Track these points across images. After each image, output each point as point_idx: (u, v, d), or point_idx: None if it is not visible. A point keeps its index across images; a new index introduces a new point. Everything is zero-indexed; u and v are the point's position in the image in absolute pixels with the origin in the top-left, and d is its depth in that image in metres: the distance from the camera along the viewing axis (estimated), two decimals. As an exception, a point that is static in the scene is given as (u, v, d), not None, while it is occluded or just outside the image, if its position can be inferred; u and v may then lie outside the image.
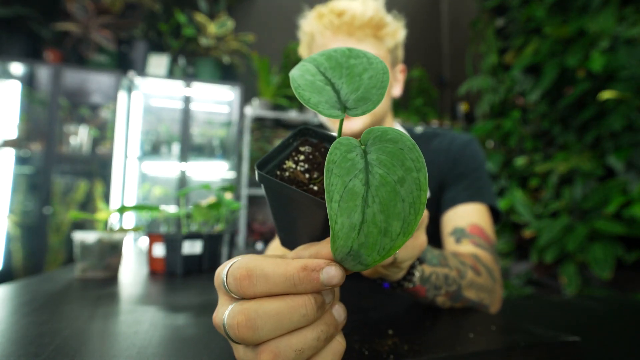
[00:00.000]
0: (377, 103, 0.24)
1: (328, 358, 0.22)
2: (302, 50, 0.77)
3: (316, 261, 0.21)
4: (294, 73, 0.26)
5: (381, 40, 0.71)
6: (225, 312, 0.21)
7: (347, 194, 0.20)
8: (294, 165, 0.28)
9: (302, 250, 0.24)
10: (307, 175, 0.27)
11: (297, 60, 2.77)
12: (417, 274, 0.38)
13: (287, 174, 0.27)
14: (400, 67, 0.78)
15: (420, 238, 0.33)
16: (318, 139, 0.31)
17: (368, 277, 0.38)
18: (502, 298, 0.61)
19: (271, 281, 0.21)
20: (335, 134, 0.90)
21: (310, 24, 0.73)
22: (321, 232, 0.26)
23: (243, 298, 0.22)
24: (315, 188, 0.26)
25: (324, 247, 0.23)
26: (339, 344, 0.23)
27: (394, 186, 0.21)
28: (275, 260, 0.22)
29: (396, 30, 0.73)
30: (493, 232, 0.69)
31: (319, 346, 0.21)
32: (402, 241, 0.20)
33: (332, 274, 0.21)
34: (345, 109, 0.25)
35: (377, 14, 0.70)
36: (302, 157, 0.29)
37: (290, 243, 0.30)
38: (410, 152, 0.22)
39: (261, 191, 2.57)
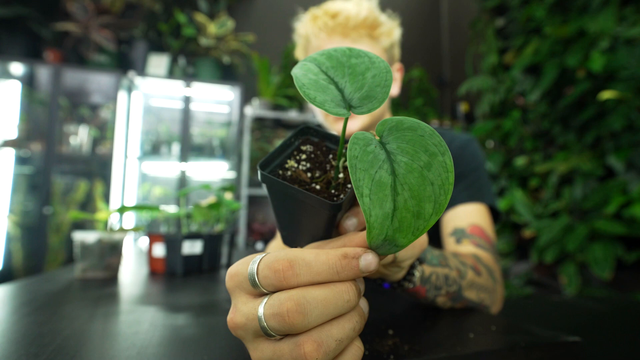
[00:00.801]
0: (383, 101, 0.25)
1: (355, 351, 0.23)
2: (299, 53, 0.78)
3: (355, 249, 0.22)
4: (297, 72, 0.26)
5: (376, 40, 0.71)
6: (261, 306, 0.22)
7: (375, 186, 0.21)
8: (295, 165, 0.28)
9: (326, 243, 0.26)
10: (309, 174, 0.27)
11: (296, 61, 2.77)
12: (417, 274, 0.38)
13: (289, 173, 0.27)
14: (397, 65, 0.79)
15: (420, 237, 0.33)
16: (319, 138, 0.31)
17: (368, 278, 0.38)
18: (503, 298, 0.61)
19: (314, 270, 0.21)
20: (335, 132, 0.90)
21: (305, 26, 0.73)
22: (324, 230, 0.26)
23: (280, 291, 0.22)
24: (318, 187, 0.26)
25: (355, 236, 0.24)
26: (358, 349, 0.23)
27: (421, 172, 0.22)
28: (314, 251, 0.22)
29: (391, 30, 0.73)
30: (493, 232, 0.69)
31: (353, 336, 0.22)
32: (434, 220, 0.21)
33: (370, 260, 0.22)
34: (350, 107, 0.25)
35: (371, 13, 0.70)
36: (303, 156, 0.29)
37: (292, 241, 0.30)
38: (431, 138, 0.22)
39: (261, 191, 2.57)
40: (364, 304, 0.24)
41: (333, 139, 0.31)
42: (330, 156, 0.30)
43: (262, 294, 0.23)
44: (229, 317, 0.23)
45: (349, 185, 0.27)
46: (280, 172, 0.27)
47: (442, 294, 0.43)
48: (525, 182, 2.28)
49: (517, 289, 1.98)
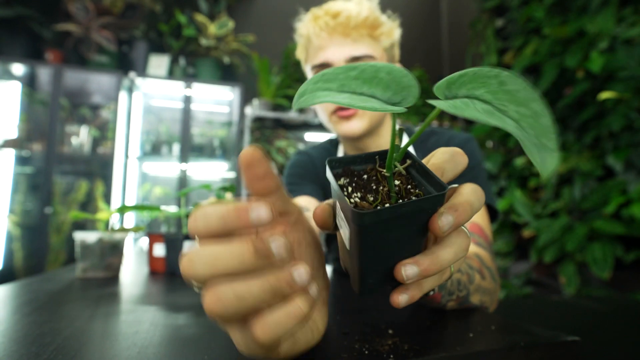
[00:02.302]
0: (416, 87, 0.24)
1: (281, 318, 0.21)
2: (299, 53, 0.78)
3: (249, 203, 0.21)
4: (337, 99, 0.25)
5: (377, 40, 0.72)
6: None
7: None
8: (354, 200, 0.26)
9: None
10: (370, 201, 0.25)
11: (297, 60, 2.78)
12: None
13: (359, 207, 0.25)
14: (397, 66, 0.79)
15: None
16: (343, 166, 0.29)
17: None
18: (498, 297, 0.61)
19: (209, 217, 0.21)
20: (334, 135, 0.89)
21: (306, 26, 0.73)
22: (421, 239, 0.26)
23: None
24: (387, 204, 0.25)
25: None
26: (297, 307, 0.21)
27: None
28: (223, 204, 0.22)
29: (391, 30, 0.73)
30: (491, 231, 0.69)
31: (265, 298, 0.21)
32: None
33: (261, 210, 0.21)
34: (394, 104, 0.25)
35: (372, 14, 0.71)
36: (350, 189, 0.27)
37: (382, 280, 0.27)
38: (514, 83, 0.23)
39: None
40: (300, 271, 0.21)
41: (357, 159, 0.29)
42: (365, 176, 0.28)
43: None
44: None
45: (412, 190, 0.26)
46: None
47: (453, 299, 0.43)
48: (524, 182, 2.28)
49: (517, 289, 1.98)
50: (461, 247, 0.26)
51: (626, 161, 1.65)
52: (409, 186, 0.26)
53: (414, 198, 0.25)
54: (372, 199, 0.25)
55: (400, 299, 0.26)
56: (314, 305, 0.24)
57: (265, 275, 0.21)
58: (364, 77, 0.25)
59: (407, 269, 0.24)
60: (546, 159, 0.21)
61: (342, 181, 0.27)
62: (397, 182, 0.26)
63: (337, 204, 0.26)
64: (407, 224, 0.24)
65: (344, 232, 0.26)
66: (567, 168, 1.85)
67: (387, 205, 0.23)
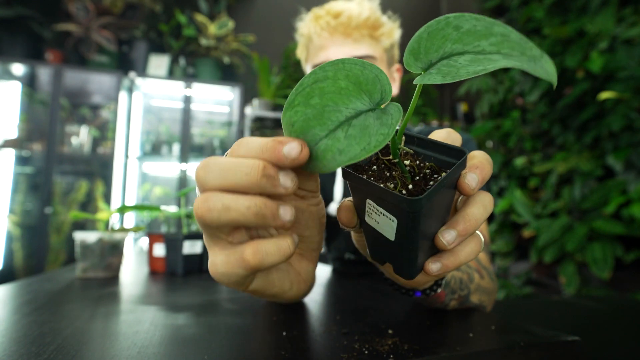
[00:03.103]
0: (379, 76, 0.24)
1: (271, 248, 0.24)
2: (300, 52, 0.78)
3: (285, 138, 0.22)
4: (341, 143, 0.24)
5: (377, 40, 0.72)
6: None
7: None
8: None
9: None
10: (391, 188, 0.25)
11: (297, 60, 2.78)
12: (447, 276, 0.38)
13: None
14: (397, 66, 0.80)
15: None
16: (352, 164, 0.28)
17: (400, 288, 0.37)
18: (496, 298, 0.61)
19: (251, 147, 0.23)
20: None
21: (307, 25, 0.74)
22: (449, 208, 0.27)
23: None
24: (404, 191, 0.25)
25: None
26: (287, 244, 0.24)
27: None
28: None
29: (392, 30, 0.74)
30: (488, 232, 0.69)
31: (247, 217, 0.22)
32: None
33: (293, 146, 0.22)
34: (378, 103, 0.24)
35: (373, 14, 0.71)
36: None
37: (431, 247, 0.28)
38: (466, 21, 0.23)
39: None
40: (285, 208, 0.23)
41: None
42: (375, 167, 0.27)
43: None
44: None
45: (422, 165, 0.26)
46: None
47: (455, 298, 0.43)
48: (524, 182, 2.28)
49: (517, 289, 1.99)
50: (486, 203, 0.26)
51: (626, 161, 1.66)
52: (418, 162, 0.27)
53: (427, 172, 0.26)
54: (392, 185, 0.25)
55: (433, 266, 0.27)
56: (297, 255, 0.28)
57: (253, 196, 0.22)
58: (333, 97, 0.24)
59: (446, 235, 0.25)
60: (543, 66, 0.21)
61: (364, 177, 0.27)
62: (407, 162, 0.27)
63: (369, 200, 0.26)
64: (443, 196, 0.25)
65: (384, 225, 0.26)
66: (567, 168, 1.85)
67: (431, 184, 0.24)
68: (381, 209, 0.25)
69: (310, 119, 0.23)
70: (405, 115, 0.25)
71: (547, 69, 0.21)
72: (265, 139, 0.23)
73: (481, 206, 0.26)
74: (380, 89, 0.24)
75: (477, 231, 0.27)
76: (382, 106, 0.23)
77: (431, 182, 0.25)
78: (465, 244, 0.27)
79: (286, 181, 0.23)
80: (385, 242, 0.27)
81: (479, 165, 0.26)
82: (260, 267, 0.24)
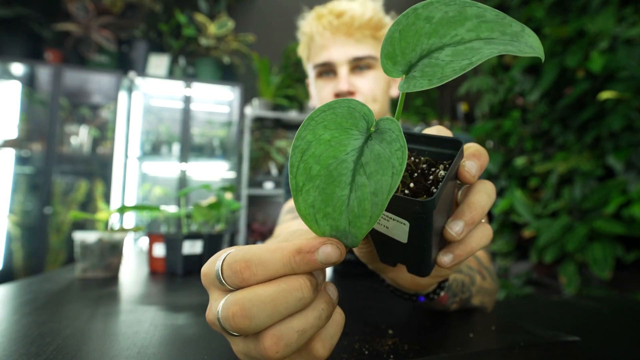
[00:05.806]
0: (362, 110, 0.23)
1: (332, 330, 0.23)
2: (301, 51, 0.78)
3: (310, 242, 0.21)
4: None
5: (379, 41, 0.72)
6: (219, 305, 0.21)
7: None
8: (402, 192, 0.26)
9: (292, 234, 0.26)
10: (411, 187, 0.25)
11: (297, 60, 2.78)
12: (450, 280, 0.38)
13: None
14: None
15: None
16: None
17: (403, 293, 0.37)
18: (497, 298, 0.61)
19: (270, 268, 0.21)
20: None
21: (309, 24, 0.73)
22: (451, 203, 0.27)
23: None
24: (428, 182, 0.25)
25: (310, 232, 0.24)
26: (339, 314, 0.24)
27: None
28: (271, 247, 0.21)
29: None
30: None
31: (321, 325, 0.22)
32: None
33: (329, 251, 0.21)
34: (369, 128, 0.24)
35: (375, 14, 0.71)
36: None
37: (440, 241, 0.28)
38: (434, 10, 0.22)
39: (260, 191, 2.57)
40: (331, 289, 0.24)
41: None
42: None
43: (229, 290, 0.22)
44: (206, 312, 0.23)
45: (417, 160, 0.27)
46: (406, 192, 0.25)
47: (457, 300, 0.43)
48: (525, 182, 2.28)
49: (517, 289, 1.98)
50: (489, 190, 0.27)
51: (626, 161, 1.65)
52: (413, 158, 0.27)
53: (424, 166, 0.26)
54: (412, 185, 0.26)
55: (445, 259, 0.27)
56: None
57: (316, 305, 0.22)
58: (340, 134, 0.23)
59: (454, 227, 0.25)
60: (527, 41, 0.20)
61: None
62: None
63: None
64: (447, 190, 0.25)
65: (395, 229, 0.25)
66: (568, 168, 1.85)
67: (430, 178, 0.25)
68: (390, 214, 0.25)
69: (324, 187, 0.21)
70: (396, 113, 0.25)
71: (531, 44, 0.20)
72: (282, 251, 0.21)
73: (484, 194, 0.26)
74: (360, 115, 0.22)
75: (477, 204, 0.26)
76: (372, 128, 0.22)
77: (430, 177, 0.25)
78: (473, 232, 0.27)
79: (319, 275, 0.23)
80: (396, 245, 0.27)
81: (475, 153, 0.26)
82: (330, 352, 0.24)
